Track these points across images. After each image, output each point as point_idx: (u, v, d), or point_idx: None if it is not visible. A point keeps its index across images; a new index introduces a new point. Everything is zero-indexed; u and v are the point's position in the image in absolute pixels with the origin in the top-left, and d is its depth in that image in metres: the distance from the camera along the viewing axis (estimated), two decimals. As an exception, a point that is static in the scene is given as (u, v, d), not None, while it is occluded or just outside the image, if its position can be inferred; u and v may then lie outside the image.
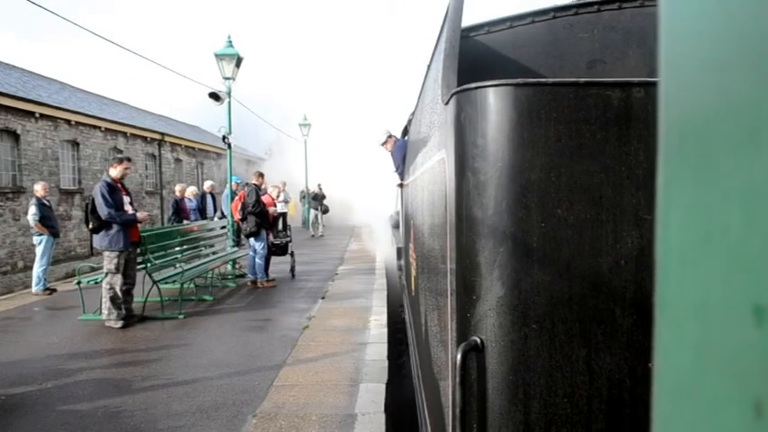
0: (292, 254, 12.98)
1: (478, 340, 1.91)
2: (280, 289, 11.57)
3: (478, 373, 1.91)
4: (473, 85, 1.91)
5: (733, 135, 0.45)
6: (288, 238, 13.06)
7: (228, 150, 13.69)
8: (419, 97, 4.73)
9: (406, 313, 7.10)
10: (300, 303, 9.98)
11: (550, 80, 1.86)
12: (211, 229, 13.62)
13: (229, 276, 12.96)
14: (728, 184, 0.46)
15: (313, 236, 24.61)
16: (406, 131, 8.42)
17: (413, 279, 5.06)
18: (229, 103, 13.38)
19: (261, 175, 12.53)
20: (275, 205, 12.74)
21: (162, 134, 26.60)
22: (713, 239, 0.47)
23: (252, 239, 11.60)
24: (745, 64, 0.44)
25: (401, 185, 8.22)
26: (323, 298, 10.35)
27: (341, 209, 31.16)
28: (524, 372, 1.84)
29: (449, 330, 2.19)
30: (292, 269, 12.97)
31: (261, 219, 11.46)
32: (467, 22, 3.31)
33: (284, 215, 22.54)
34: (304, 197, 28.36)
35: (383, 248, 18.30)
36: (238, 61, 13.36)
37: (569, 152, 1.77)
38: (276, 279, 12.32)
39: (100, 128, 21.44)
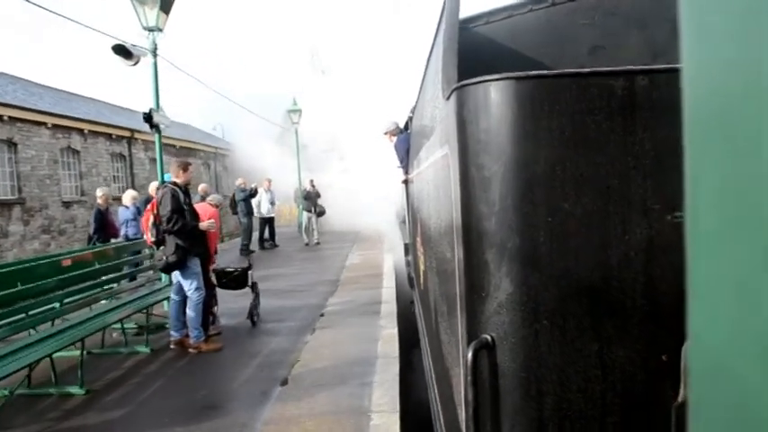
0: (254, 286, 8.73)
1: (489, 338, 1.89)
2: (222, 358, 7.07)
3: (490, 371, 1.90)
4: (474, 80, 1.88)
5: (759, 115, 0.44)
6: (246, 264, 9.01)
7: (157, 136, 9.85)
8: (420, 91, 4.70)
9: (416, 308, 7.09)
10: (243, 398, 5.66)
11: (552, 72, 1.83)
12: (137, 252, 9.74)
13: (135, 327, 8.33)
14: (757, 165, 0.45)
15: (307, 244, 20.39)
16: (407, 126, 8.38)
17: (421, 274, 5.05)
18: (155, 64, 9.47)
19: (184, 167, 7.52)
20: (216, 218, 8.02)
21: (131, 130, 22.59)
22: (745, 221, 0.46)
23: (176, 275, 7.43)
24: None
25: (405, 182, 8.19)
26: (284, 383, 5.92)
27: (343, 210, 26.57)
28: (536, 368, 1.82)
29: (459, 328, 2.17)
30: (252, 312, 8.55)
31: (188, 241, 7.19)
32: (465, 12, 3.28)
33: (271, 221, 19.90)
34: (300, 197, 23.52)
35: (394, 260, 13.98)
36: (166, 3, 9.29)
37: (574, 144, 1.74)
38: (224, 332, 8.20)
39: (46, 124, 17.79)
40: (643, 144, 1.70)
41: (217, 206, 8.78)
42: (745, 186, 0.48)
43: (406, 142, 7.95)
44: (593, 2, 3.11)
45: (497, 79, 1.82)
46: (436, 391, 3.76)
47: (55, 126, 18.22)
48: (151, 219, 7.20)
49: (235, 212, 19.04)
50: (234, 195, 18.89)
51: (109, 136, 21.52)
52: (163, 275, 8.88)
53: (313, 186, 21.38)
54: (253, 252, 17.82)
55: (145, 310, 8.25)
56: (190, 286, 7.30)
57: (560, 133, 1.74)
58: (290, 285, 12.03)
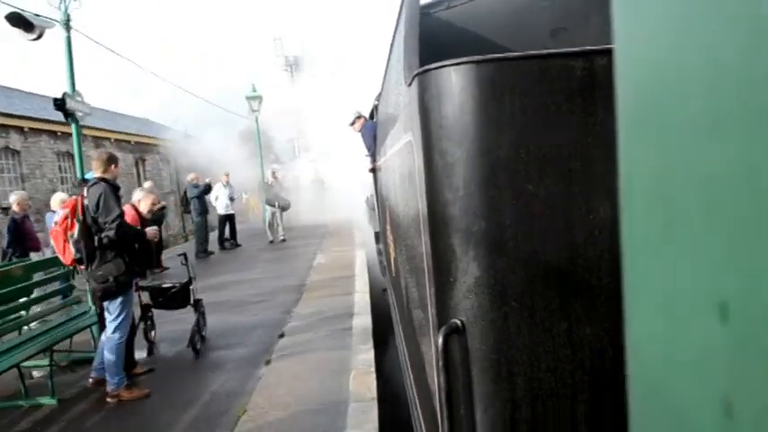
0: (197, 304, 7.10)
1: (459, 322, 1.90)
2: (148, 409, 5.40)
3: (461, 355, 1.90)
4: (434, 65, 1.87)
5: (690, 119, 0.43)
6: (189, 278, 7.13)
7: (74, 126, 7.95)
8: (384, 77, 4.68)
9: (389, 295, 7.10)
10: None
11: (512, 54, 1.83)
12: (51, 271, 7.36)
13: (48, 366, 5.94)
14: (687, 171, 0.44)
15: (271, 241, 18.28)
16: (372, 114, 8.37)
17: (392, 261, 5.05)
18: (68, 39, 7.49)
19: (111, 161, 5.68)
20: (149, 223, 7.01)
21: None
22: (675, 229, 0.45)
23: (108, 302, 5.57)
24: (703, 42, 0.42)
25: (373, 170, 8.19)
26: None
27: (312, 203, 25.29)
28: (507, 350, 1.83)
29: (429, 314, 2.18)
30: (193, 338, 6.75)
31: (131, 256, 5.62)
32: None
33: (231, 218, 17.70)
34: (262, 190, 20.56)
35: (367, 256, 12.56)
36: None
37: (536, 126, 1.75)
38: (159, 366, 6.53)
39: (-24, 124, 15.64)
40: (604, 124, 1.71)
41: (153, 206, 7.63)
42: (674, 193, 0.46)
43: (372, 130, 7.94)
44: (551, -16, 3.13)
45: (458, 63, 1.81)
46: (411, 378, 3.78)
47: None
48: (76, 230, 5.30)
49: (187, 211, 17.20)
50: (185, 193, 16.86)
51: (53, 133, 19.23)
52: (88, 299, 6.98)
53: (275, 178, 19.31)
54: (211, 254, 16.46)
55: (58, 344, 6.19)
56: (116, 319, 5.49)
57: (522, 116, 1.75)
58: (247, 295, 10.19)
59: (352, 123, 9.26)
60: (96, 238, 5.35)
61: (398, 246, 3.87)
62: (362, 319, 7.68)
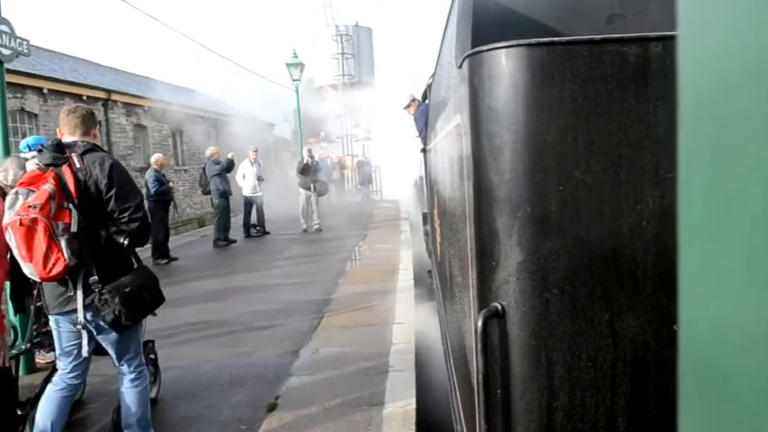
0: (148, 348, 4.77)
1: (499, 306, 1.89)
2: None
3: (500, 340, 1.90)
4: (485, 47, 1.86)
5: (754, 104, 0.43)
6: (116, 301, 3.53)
7: None
8: (438, 59, 4.66)
9: (433, 278, 7.12)
10: None
11: (564, 39, 1.80)
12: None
13: None
14: (747, 155, 0.44)
15: (305, 230, 15.94)
16: (426, 95, 8.33)
17: (438, 245, 5.05)
18: None
19: (93, 119, 3.92)
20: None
21: (108, 91, 18.91)
22: (733, 210, 0.46)
23: (119, 335, 3.69)
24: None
25: (424, 150, 8.18)
26: None
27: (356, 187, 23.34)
28: (546, 337, 1.82)
29: (470, 297, 2.18)
30: (115, 420, 4.08)
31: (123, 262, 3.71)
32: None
33: (260, 201, 15.57)
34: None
35: (415, 257, 10.67)
36: None
37: (586, 112, 1.72)
38: None
39: (-11, 81, 14.29)
40: (656, 112, 1.68)
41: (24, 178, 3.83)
42: (735, 176, 0.47)
43: (424, 114, 7.92)
44: (612, -32, 3.05)
45: (509, 46, 1.79)
46: (452, 360, 3.79)
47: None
48: (74, 220, 3.42)
49: (206, 192, 14.66)
50: (204, 170, 14.60)
51: (77, 97, 17.12)
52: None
53: (312, 158, 16.82)
54: (233, 242, 14.45)
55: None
56: (133, 359, 3.87)
57: (572, 101, 1.72)
58: (249, 314, 7.67)
59: (407, 107, 9.24)
60: (104, 234, 3.58)
61: (444, 228, 3.88)
62: (401, 389, 4.93)
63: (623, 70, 1.67)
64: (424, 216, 9.89)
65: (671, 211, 1.71)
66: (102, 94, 18.80)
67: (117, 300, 3.48)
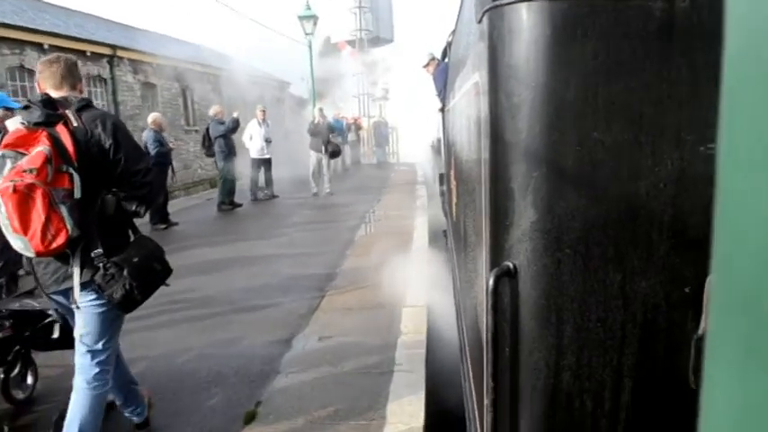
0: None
1: (511, 265, 1.89)
2: None
3: (511, 299, 1.90)
4: (505, 0, 1.81)
5: None
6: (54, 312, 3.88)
7: None
8: (458, 15, 4.58)
9: (448, 239, 7.12)
10: None
11: (588, -7, 1.75)
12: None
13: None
14: None
15: (315, 194, 15.24)
16: (445, 53, 8.22)
17: (453, 206, 5.04)
18: None
19: (77, 72, 3.52)
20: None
21: (113, 47, 18.12)
22: None
23: (101, 319, 3.26)
24: None
25: (442, 110, 8.11)
26: None
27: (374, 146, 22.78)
28: (557, 296, 1.82)
29: (482, 256, 2.18)
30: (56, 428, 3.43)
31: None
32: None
33: (267, 163, 14.86)
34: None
35: (431, 227, 9.94)
36: None
37: (606, 70, 1.68)
38: None
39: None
40: (680, 71, 1.63)
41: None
42: None
43: (444, 74, 7.83)
44: None
45: (530, 0, 1.75)
46: (463, 318, 3.81)
47: (1, 39, 13.96)
48: (76, 186, 3.04)
49: (210, 154, 13.90)
50: (207, 130, 13.80)
51: (81, 53, 16.38)
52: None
53: (323, 117, 15.89)
54: (238, 206, 13.76)
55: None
56: (99, 352, 3.33)
57: (593, 58, 1.68)
58: (242, 291, 6.94)
59: (426, 65, 9.14)
60: (112, 200, 3.21)
61: (460, 188, 3.86)
62: (407, 397, 4.15)
63: (647, 26, 1.62)
64: (441, 177, 9.85)
65: (689, 172, 1.68)
66: (107, 50, 17.97)
67: (126, 273, 3.13)
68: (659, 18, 1.61)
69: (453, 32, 5.80)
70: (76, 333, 3.28)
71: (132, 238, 3.41)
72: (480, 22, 2.05)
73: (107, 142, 3.17)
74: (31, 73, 14.57)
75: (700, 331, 1.69)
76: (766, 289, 0.46)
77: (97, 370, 3.31)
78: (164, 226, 11.50)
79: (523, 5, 1.75)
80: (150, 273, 3.32)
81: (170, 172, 11.63)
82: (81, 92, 3.50)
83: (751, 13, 0.48)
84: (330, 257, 8.48)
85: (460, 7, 4.00)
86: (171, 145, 12.12)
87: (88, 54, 16.99)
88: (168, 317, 6.14)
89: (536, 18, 1.74)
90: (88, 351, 3.29)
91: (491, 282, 1.89)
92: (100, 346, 3.31)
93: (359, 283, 7.12)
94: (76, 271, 3.14)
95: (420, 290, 6.61)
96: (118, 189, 3.23)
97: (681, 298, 1.73)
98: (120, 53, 18.57)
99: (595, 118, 1.72)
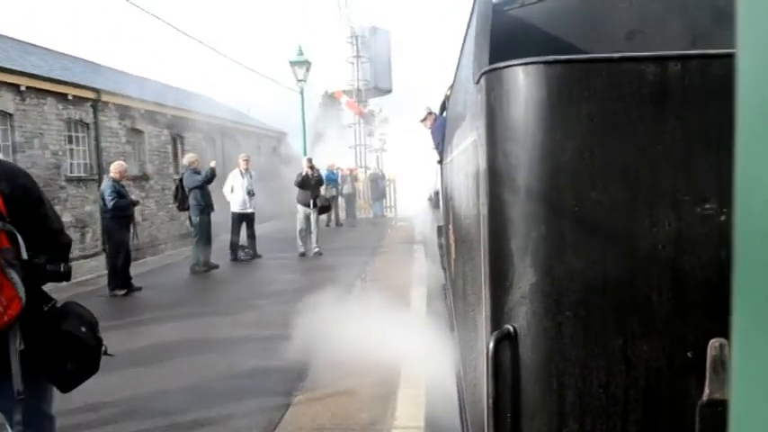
0: None
1: (511, 328, 1.86)
2: None
3: (512, 363, 1.86)
4: (502, 63, 1.83)
5: None
6: None
7: None
8: (456, 73, 4.64)
9: (447, 294, 7.06)
10: None
11: (582, 57, 1.78)
12: None
13: None
14: None
15: (303, 254, 13.70)
16: (444, 106, 8.32)
17: (452, 261, 5.01)
18: None
19: None
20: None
21: (97, 91, 16.95)
22: None
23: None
24: None
25: (440, 162, 8.15)
26: None
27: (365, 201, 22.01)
28: (558, 361, 1.78)
29: (482, 318, 2.14)
30: None
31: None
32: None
33: (250, 219, 13.38)
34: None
35: (431, 300, 8.46)
36: None
37: (602, 131, 1.69)
38: None
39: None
40: (674, 133, 1.64)
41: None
42: None
43: (442, 128, 7.90)
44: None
45: (526, 63, 1.77)
46: (464, 379, 3.74)
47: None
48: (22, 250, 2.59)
49: (183, 208, 12.13)
50: (181, 181, 12.10)
51: (62, 96, 15.57)
52: None
53: (312, 168, 14.12)
54: (214, 268, 12.00)
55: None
56: (43, 411, 2.84)
57: (589, 120, 1.69)
58: (177, 396, 5.26)
59: (423, 119, 9.22)
60: (43, 261, 2.68)
61: (459, 246, 3.84)
62: None
63: (641, 89, 1.64)
64: (439, 229, 9.83)
65: (688, 234, 1.66)
66: (90, 94, 16.73)
67: (67, 345, 2.67)
68: (652, 81, 1.62)
69: (451, 87, 5.89)
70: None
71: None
72: (478, 82, 2.07)
73: (30, 196, 2.72)
74: (5, 115, 14.10)
75: (704, 397, 1.65)
76: None
77: None
78: (123, 292, 9.85)
79: (520, 68, 1.77)
80: (88, 345, 2.79)
81: (132, 229, 10.23)
82: None
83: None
84: (305, 343, 6.29)
85: (458, 65, 4.06)
86: (134, 197, 10.68)
87: (70, 97, 15.99)
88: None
89: (533, 81, 1.75)
90: None
91: (491, 345, 1.85)
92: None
93: (335, 385, 5.33)
94: (17, 352, 2.56)
95: (415, 401, 4.99)
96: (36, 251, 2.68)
97: (684, 362, 1.69)
98: (105, 97, 17.47)
99: (592, 179, 1.71)
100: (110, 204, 9.63)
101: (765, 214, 0.48)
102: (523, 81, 1.79)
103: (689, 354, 1.68)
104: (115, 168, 10.13)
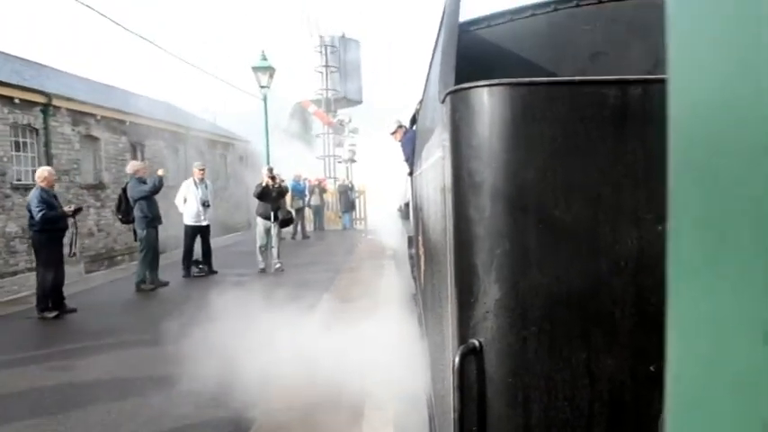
0: None
1: (477, 343, 1.89)
2: None
3: (477, 377, 1.89)
4: (467, 84, 1.87)
5: (741, 144, 0.44)
6: None
7: None
8: (425, 87, 4.70)
9: (418, 305, 7.09)
10: None
11: (545, 79, 1.82)
12: None
13: None
14: (738, 197, 0.44)
15: (263, 270, 12.92)
16: (414, 120, 8.38)
17: (421, 272, 5.05)
18: None
19: None
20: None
21: (47, 95, 16.14)
22: (723, 254, 0.46)
23: None
24: (754, 71, 0.43)
25: (410, 174, 8.21)
26: None
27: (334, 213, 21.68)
28: (523, 375, 1.81)
29: (448, 332, 2.17)
30: None
31: None
32: (469, 15, 3.28)
33: (204, 232, 12.59)
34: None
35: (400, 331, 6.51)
36: None
37: (565, 152, 1.73)
38: None
39: None
40: (635, 153, 1.69)
41: None
42: (723, 220, 0.47)
43: (412, 141, 7.96)
44: (594, 8, 3.10)
45: (490, 85, 1.81)
46: (432, 392, 3.77)
47: None
48: None
49: (127, 221, 11.30)
50: (124, 191, 11.27)
51: (8, 99, 14.80)
52: None
53: (273, 179, 13.06)
54: (163, 285, 11.25)
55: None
56: None
57: (552, 141, 1.73)
58: None
59: (393, 132, 9.30)
60: None
61: (427, 257, 3.87)
62: None
63: (602, 111, 1.69)
64: (410, 240, 9.86)
65: (649, 251, 1.72)
66: (40, 98, 15.89)
67: None
68: (612, 104, 1.68)
69: (421, 102, 5.95)
70: None
71: None
72: (443, 102, 2.11)
73: None
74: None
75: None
76: (713, 391, 0.46)
77: None
78: (53, 314, 8.81)
79: (485, 90, 1.81)
80: None
81: (72, 241, 9.54)
82: None
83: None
84: (252, 386, 5.20)
85: (427, 79, 4.11)
86: (67, 209, 9.53)
87: (16, 101, 15.10)
88: None
89: (496, 102, 1.80)
90: None
91: (457, 360, 1.88)
92: None
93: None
94: None
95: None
96: None
97: (647, 375, 1.74)
98: (57, 102, 16.61)
99: (555, 197, 1.76)
100: (37, 216, 8.73)
101: (691, 244, 0.50)
102: (488, 102, 1.83)
103: (651, 368, 1.72)
104: (41, 175, 9.12)
